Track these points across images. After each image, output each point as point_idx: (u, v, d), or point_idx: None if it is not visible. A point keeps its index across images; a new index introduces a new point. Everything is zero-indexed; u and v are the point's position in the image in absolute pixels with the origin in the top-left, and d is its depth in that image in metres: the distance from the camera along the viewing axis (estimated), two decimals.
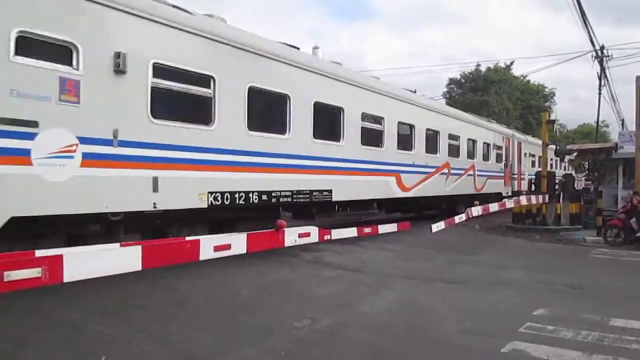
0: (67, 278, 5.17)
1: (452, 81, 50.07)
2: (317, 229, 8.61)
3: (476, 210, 13.47)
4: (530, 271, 8.92)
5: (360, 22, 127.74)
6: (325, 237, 9.06)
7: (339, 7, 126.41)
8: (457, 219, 12.61)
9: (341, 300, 6.61)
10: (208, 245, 6.69)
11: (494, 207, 14.41)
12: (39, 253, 5.23)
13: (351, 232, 10.22)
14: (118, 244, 6.14)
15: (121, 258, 5.80)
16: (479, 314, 6.03)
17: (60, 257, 5.13)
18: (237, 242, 7.20)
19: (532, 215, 16.38)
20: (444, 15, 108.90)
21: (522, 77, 48.80)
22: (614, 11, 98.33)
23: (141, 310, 5.78)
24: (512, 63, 48.39)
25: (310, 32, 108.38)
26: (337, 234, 9.66)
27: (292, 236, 8.22)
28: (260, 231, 8.06)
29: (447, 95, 48.81)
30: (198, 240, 6.60)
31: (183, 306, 6.07)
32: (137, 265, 5.83)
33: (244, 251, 7.33)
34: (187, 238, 6.71)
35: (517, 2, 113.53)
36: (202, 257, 6.65)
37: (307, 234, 8.62)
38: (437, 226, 11.71)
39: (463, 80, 49.13)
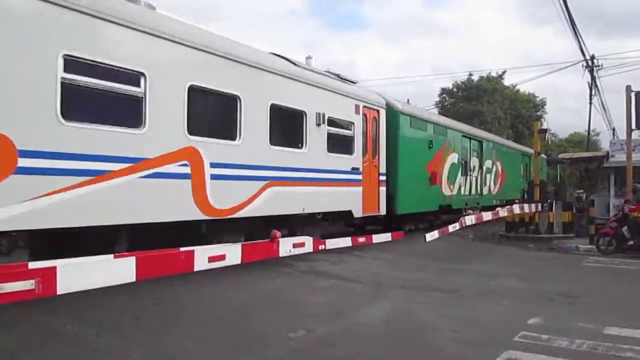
0: (60, 290, 5.15)
1: (444, 91, 50.32)
2: (311, 239, 8.63)
3: (470, 220, 13.54)
4: (524, 280, 8.96)
5: (353, 32, 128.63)
6: (320, 247, 9.09)
7: (333, 18, 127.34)
8: (451, 228, 12.66)
9: (335, 310, 6.59)
10: (202, 256, 6.70)
11: (487, 215, 14.50)
12: (32, 265, 5.22)
13: (345, 241, 10.27)
14: (112, 255, 6.14)
15: (115, 269, 5.80)
16: (473, 324, 6.04)
17: (54, 269, 5.11)
18: (232, 253, 7.21)
19: (525, 224, 16.47)
20: (435, 27, 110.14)
21: (512, 86, 49.15)
22: (596, 24, 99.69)
23: (136, 322, 5.73)
24: (504, 72, 48.80)
25: (304, 43, 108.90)
26: (332, 243, 9.70)
27: (286, 246, 8.24)
28: (254, 241, 8.06)
29: (440, 105, 48.99)
30: (192, 251, 6.60)
31: (178, 317, 6.03)
32: (131, 277, 5.83)
33: (239, 261, 7.34)
34: (182, 249, 6.70)
35: (505, 14, 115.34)
36: (196, 268, 6.66)
37: (302, 244, 8.65)
38: (431, 235, 11.76)
39: (455, 90, 49.36)
